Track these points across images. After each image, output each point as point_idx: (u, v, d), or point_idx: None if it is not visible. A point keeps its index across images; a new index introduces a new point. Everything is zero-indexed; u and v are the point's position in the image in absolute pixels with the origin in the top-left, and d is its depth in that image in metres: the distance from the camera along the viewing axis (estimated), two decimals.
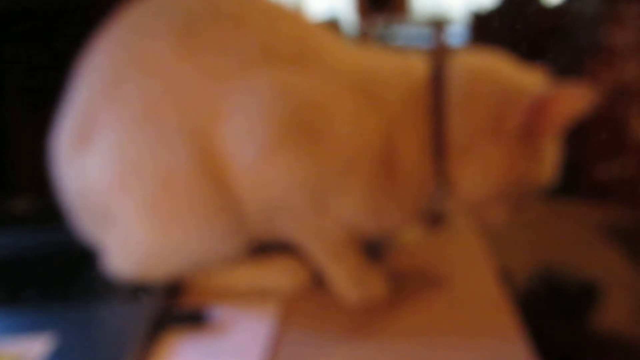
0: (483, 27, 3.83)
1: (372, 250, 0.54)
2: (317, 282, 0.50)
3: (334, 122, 0.44)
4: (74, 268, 0.55)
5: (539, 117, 0.44)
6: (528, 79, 0.47)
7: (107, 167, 0.46)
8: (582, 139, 2.55)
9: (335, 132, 0.44)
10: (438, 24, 3.32)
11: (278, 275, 0.50)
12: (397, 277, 0.50)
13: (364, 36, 3.15)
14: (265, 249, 0.51)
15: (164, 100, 0.45)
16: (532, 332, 1.28)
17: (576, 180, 2.62)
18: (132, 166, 0.45)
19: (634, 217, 2.39)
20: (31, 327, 0.46)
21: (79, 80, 0.50)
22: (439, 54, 0.46)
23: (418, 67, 0.47)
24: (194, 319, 0.46)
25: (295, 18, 0.49)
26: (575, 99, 0.44)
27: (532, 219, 0.50)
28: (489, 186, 0.45)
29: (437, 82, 0.45)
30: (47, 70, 0.65)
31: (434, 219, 0.50)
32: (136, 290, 0.49)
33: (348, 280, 0.48)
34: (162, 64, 0.45)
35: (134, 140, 0.45)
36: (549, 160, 0.48)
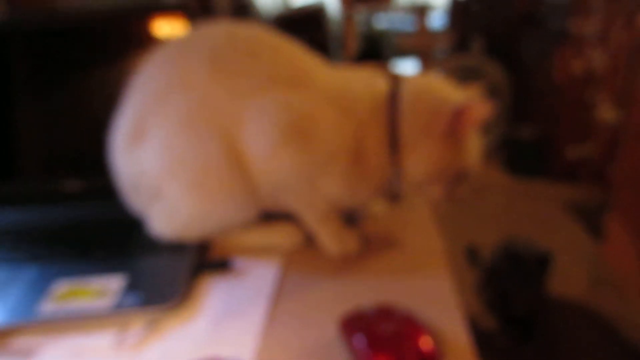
0: (461, 13, 3.95)
1: (349, 218, 0.73)
2: (309, 241, 0.68)
3: (320, 128, 0.60)
4: (127, 232, 0.72)
5: (457, 122, 0.60)
6: (454, 95, 0.63)
7: (159, 157, 0.62)
8: (553, 123, 2.73)
9: (321, 135, 0.60)
10: (420, 10, 3.45)
11: (280, 236, 0.68)
12: (367, 237, 0.69)
13: (347, 21, 3.27)
14: (271, 216, 0.69)
15: (201, 109, 0.61)
16: (493, 296, 1.49)
17: (548, 161, 2.81)
18: (177, 157, 0.61)
19: (597, 196, 2.58)
20: (105, 271, 0.63)
21: (132, 91, 0.66)
22: (395, 78, 0.64)
23: (380, 85, 0.65)
24: (221, 266, 0.64)
25: (293, 49, 0.65)
26: (481, 108, 0.59)
27: (464, 198, 0.66)
28: (427, 171, 0.62)
29: (393, 98, 0.63)
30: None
31: (393, 196, 0.68)
32: (177, 245, 0.67)
33: (331, 239, 0.66)
34: (199, 82, 0.61)
35: (178, 138, 0.61)
36: (471, 152, 0.63)
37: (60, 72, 0.83)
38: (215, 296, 0.60)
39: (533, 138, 2.90)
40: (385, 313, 0.48)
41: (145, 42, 0.81)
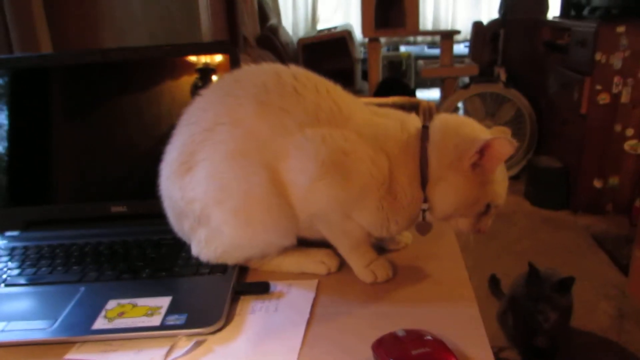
0: (485, 42, 3.98)
1: (379, 247, 0.76)
2: (343, 267, 0.72)
3: (356, 163, 0.65)
4: (171, 254, 0.77)
5: (484, 156, 0.63)
6: (481, 132, 0.67)
7: (206, 185, 0.67)
8: (577, 154, 2.73)
9: (357, 169, 0.65)
10: (445, 37, 3.50)
11: (316, 263, 0.72)
12: (396, 266, 0.72)
13: (372, 46, 3.32)
14: (308, 244, 0.73)
15: (247, 143, 0.66)
16: (516, 325, 1.50)
17: (572, 192, 2.80)
18: (223, 186, 0.66)
19: (623, 229, 2.56)
20: (151, 292, 0.68)
21: (183, 123, 0.72)
22: (424, 117, 0.69)
23: (411, 122, 0.69)
24: (261, 289, 0.69)
25: (332, 89, 0.70)
26: (507, 144, 0.62)
27: (488, 232, 0.70)
28: (455, 204, 0.66)
29: (423, 135, 0.67)
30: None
31: (423, 229, 0.72)
32: (219, 268, 0.72)
33: (362, 267, 0.70)
34: (246, 119, 0.66)
35: (225, 168, 0.66)
36: (498, 186, 0.67)
37: (104, 106, 0.90)
38: (255, 317, 0.64)
39: (557, 168, 2.90)
40: (416, 337, 0.52)
41: (181, 76, 0.88)
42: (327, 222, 0.69)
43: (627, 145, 2.69)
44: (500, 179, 0.67)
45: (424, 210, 0.69)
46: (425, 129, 0.68)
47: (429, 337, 0.52)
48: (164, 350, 0.58)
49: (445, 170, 0.66)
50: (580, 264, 2.32)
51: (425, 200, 0.67)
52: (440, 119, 0.69)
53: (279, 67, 0.71)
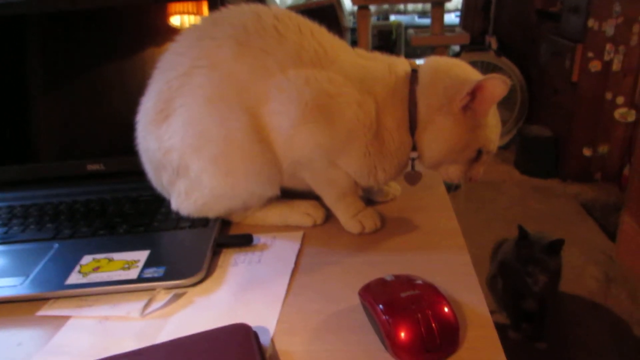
0: (476, 10, 3.93)
1: (367, 199, 0.74)
2: (329, 218, 0.69)
3: (341, 106, 0.61)
4: (149, 210, 0.74)
5: (476, 98, 0.60)
6: (472, 73, 0.64)
7: (183, 133, 0.63)
8: (568, 122, 2.71)
9: (342, 113, 0.61)
10: (438, 3, 3.44)
11: (301, 215, 0.69)
12: (384, 217, 0.70)
13: (361, 15, 3.26)
14: (293, 194, 0.70)
15: (226, 88, 0.62)
16: (506, 290, 1.49)
17: (562, 160, 2.79)
18: (201, 132, 0.63)
19: (612, 196, 2.57)
20: (129, 247, 0.65)
21: (159, 70, 0.67)
22: (413, 59, 0.65)
23: (400, 66, 0.66)
24: (244, 240, 0.66)
25: (316, 30, 0.66)
26: (499, 84, 0.59)
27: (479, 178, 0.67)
28: (445, 150, 0.63)
29: (412, 77, 0.64)
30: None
31: (412, 178, 0.69)
32: (200, 222, 0.69)
33: (350, 217, 0.67)
34: (224, 62, 0.62)
35: (203, 114, 0.63)
36: (489, 131, 0.64)
37: (80, 60, 0.85)
38: (237, 269, 0.61)
39: (547, 137, 2.88)
40: (405, 281, 0.49)
41: (165, 28, 0.83)
42: (312, 170, 0.65)
43: (617, 114, 2.68)
44: (492, 123, 0.64)
45: (413, 159, 0.67)
46: (414, 72, 0.64)
47: (419, 282, 0.49)
48: (141, 304, 0.56)
49: (435, 113, 0.62)
50: (569, 231, 2.32)
51: (414, 148, 0.64)
52: (430, 61, 0.65)
53: (259, 7, 0.66)
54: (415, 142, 0.64)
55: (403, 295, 0.47)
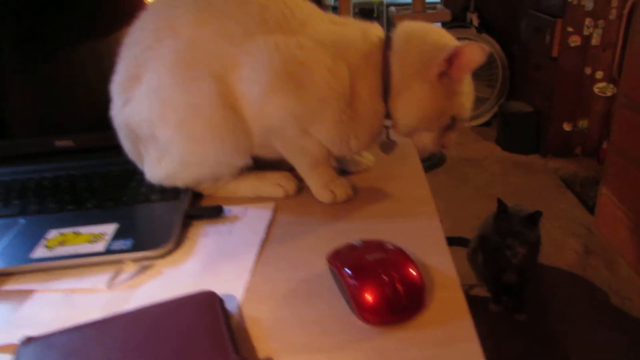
0: None
1: (340, 170, 0.73)
2: (302, 189, 0.69)
3: (313, 73, 0.60)
4: (119, 185, 0.72)
5: (452, 64, 0.59)
6: (447, 38, 0.63)
7: (150, 101, 0.62)
8: (548, 98, 2.73)
9: (313, 80, 0.60)
10: None
11: (273, 186, 0.69)
12: (357, 187, 0.69)
13: None
14: (265, 166, 0.69)
15: (190, 55, 0.61)
16: (486, 264, 1.49)
17: (543, 136, 2.81)
18: (167, 100, 0.61)
19: (591, 170, 2.60)
20: (97, 221, 0.64)
21: (124, 49, 0.66)
22: (388, 26, 0.64)
23: (374, 32, 0.64)
24: (214, 212, 0.65)
25: None
26: (476, 51, 0.58)
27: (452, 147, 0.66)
28: (419, 117, 0.62)
29: (386, 43, 0.63)
30: None
31: (385, 146, 0.68)
32: (171, 195, 0.68)
33: (321, 186, 0.66)
34: (186, 29, 0.61)
35: (168, 81, 0.61)
36: (464, 98, 0.63)
37: (49, 37, 0.82)
38: (207, 241, 0.61)
39: (527, 113, 2.90)
40: (373, 245, 0.49)
41: (137, 6, 0.81)
42: (284, 138, 0.64)
43: (597, 88, 2.70)
44: (466, 90, 0.64)
45: (387, 128, 0.66)
46: (388, 38, 0.63)
47: (387, 246, 0.49)
48: (108, 276, 0.55)
49: (410, 79, 0.61)
50: (549, 205, 2.35)
51: (388, 116, 0.63)
52: (404, 27, 0.64)
53: None
54: (389, 110, 0.63)
55: (370, 258, 0.47)
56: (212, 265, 0.55)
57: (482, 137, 3.19)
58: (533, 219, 1.50)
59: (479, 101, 3.32)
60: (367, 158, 0.75)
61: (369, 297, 0.43)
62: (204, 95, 0.61)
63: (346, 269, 0.46)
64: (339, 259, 0.49)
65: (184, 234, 0.62)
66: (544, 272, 1.92)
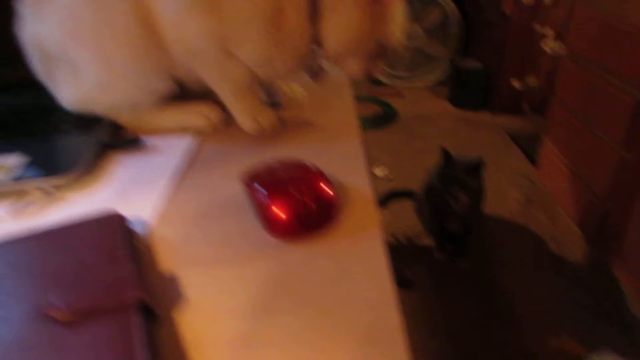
0: None
1: (272, 103, 0.71)
2: (227, 120, 0.66)
3: None
4: (30, 117, 0.68)
5: None
6: None
7: (62, 21, 0.58)
8: (499, 56, 2.75)
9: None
10: None
11: (197, 117, 0.66)
12: (285, 120, 0.67)
13: None
14: (189, 97, 0.66)
15: None
16: (431, 213, 1.52)
17: (493, 93, 2.86)
18: (81, 18, 0.57)
19: (538, 126, 2.67)
20: (4, 151, 0.60)
21: None
22: None
23: None
24: (132, 143, 0.62)
25: None
26: None
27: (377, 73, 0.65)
28: (347, 40, 0.60)
29: None
30: None
31: (313, 72, 0.66)
32: (86, 125, 0.64)
33: (246, 115, 0.64)
34: None
35: (82, 1, 0.57)
36: (394, 22, 0.61)
37: None
38: (122, 170, 0.58)
39: (478, 70, 2.92)
40: (289, 164, 0.48)
41: None
42: (205, 62, 0.61)
43: (546, 46, 2.74)
44: (397, 17, 0.62)
45: (315, 53, 0.63)
46: None
47: (303, 164, 0.48)
48: (12, 205, 0.52)
49: (339, 1, 0.58)
50: (495, 158, 2.41)
51: (317, 42, 0.61)
52: None
53: None
54: (317, 33, 0.61)
55: (282, 175, 0.46)
56: (124, 193, 0.53)
57: (436, 95, 3.21)
58: (476, 167, 1.53)
59: (433, 60, 3.32)
60: (298, 91, 0.73)
61: (278, 211, 0.42)
62: (118, 12, 0.57)
63: (257, 185, 0.45)
64: (251, 177, 0.47)
65: (99, 164, 0.59)
66: (487, 221, 1.98)
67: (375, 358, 0.31)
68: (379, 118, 2.85)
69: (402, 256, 1.78)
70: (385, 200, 2.05)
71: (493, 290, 1.64)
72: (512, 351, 1.41)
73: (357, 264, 0.40)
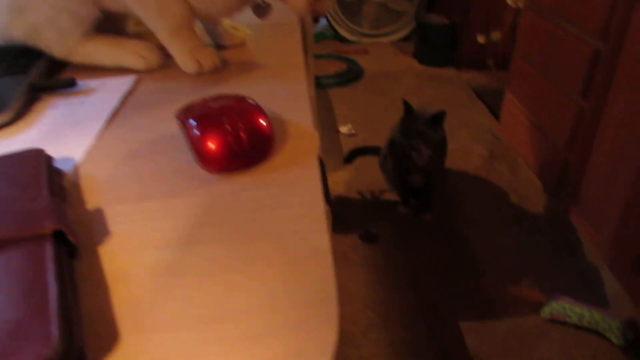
0: None
1: (217, 45, 0.68)
2: (167, 60, 0.63)
3: None
4: None
5: None
6: None
7: None
8: (464, 11, 2.73)
9: None
10: None
11: (134, 56, 0.63)
12: (231, 60, 0.65)
13: None
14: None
15: None
16: (394, 168, 1.51)
17: (458, 49, 2.84)
18: None
19: (501, 81, 2.68)
20: None
21: None
22: None
23: None
24: (66, 83, 0.59)
25: None
26: None
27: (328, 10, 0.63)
28: None
29: None
30: None
31: (261, 10, 0.63)
32: (19, 67, 0.60)
33: (186, 54, 0.61)
34: None
35: None
36: None
37: None
38: (54, 112, 0.55)
39: (444, 25, 2.90)
40: (225, 99, 0.46)
41: None
42: None
43: (510, 0, 2.73)
44: None
45: None
46: None
47: (241, 100, 0.46)
48: None
49: None
50: (460, 114, 2.42)
51: None
52: None
53: None
54: None
55: (217, 109, 0.44)
56: (54, 134, 0.50)
57: (401, 52, 3.18)
58: (437, 119, 1.53)
59: (398, 16, 3.28)
60: (243, 31, 0.70)
61: (210, 145, 0.41)
62: None
63: (190, 120, 0.43)
64: (185, 111, 0.45)
65: (29, 107, 0.56)
66: (451, 176, 2.00)
67: (305, 279, 0.30)
68: (344, 75, 2.82)
69: (367, 212, 1.79)
70: (350, 156, 2.05)
71: (456, 242, 1.67)
72: (474, 300, 1.45)
73: (291, 194, 0.38)
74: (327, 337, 0.26)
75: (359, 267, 1.56)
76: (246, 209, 0.37)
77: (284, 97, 0.54)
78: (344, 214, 1.78)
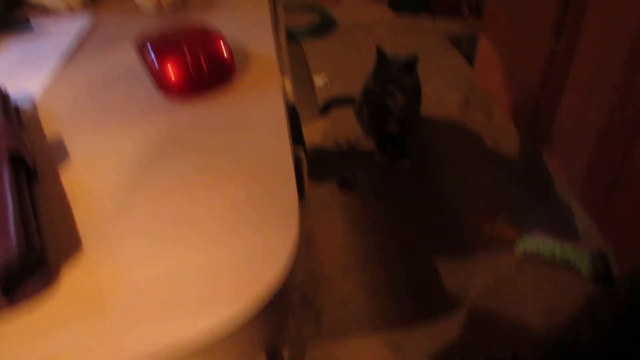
0: None
1: None
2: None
3: None
4: None
5: None
6: None
7: None
8: None
9: None
10: None
11: None
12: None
13: None
14: None
15: None
16: (370, 116, 1.48)
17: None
18: None
19: (476, 29, 2.66)
20: None
21: None
22: None
23: None
24: (21, 26, 0.57)
25: None
26: None
27: None
28: None
29: None
30: None
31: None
32: None
33: None
34: None
35: None
36: None
37: None
38: (9, 52, 0.53)
39: None
40: (185, 29, 0.45)
41: None
42: None
43: None
44: None
45: None
46: None
47: (201, 28, 0.45)
48: None
49: None
50: (436, 62, 2.41)
51: None
52: None
53: None
54: None
55: (176, 37, 0.43)
56: (9, 72, 0.49)
57: (375, 1, 3.13)
58: (410, 64, 1.53)
59: None
60: None
61: (170, 70, 0.40)
62: None
63: (149, 48, 0.42)
64: (144, 40, 0.44)
65: None
66: (427, 123, 2.01)
67: (266, 186, 0.31)
68: (317, 27, 2.76)
69: (344, 160, 1.80)
70: (325, 107, 2.04)
71: (432, 186, 1.70)
72: (450, 240, 1.49)
73: (253, 115, 0.39)
74: (287, 233, 0.27)
75: (336, 213, 1.58)
76: (209, 130, 0.37)
77: (247, 27, 0.53)
78: (321, 163, 1.78)
